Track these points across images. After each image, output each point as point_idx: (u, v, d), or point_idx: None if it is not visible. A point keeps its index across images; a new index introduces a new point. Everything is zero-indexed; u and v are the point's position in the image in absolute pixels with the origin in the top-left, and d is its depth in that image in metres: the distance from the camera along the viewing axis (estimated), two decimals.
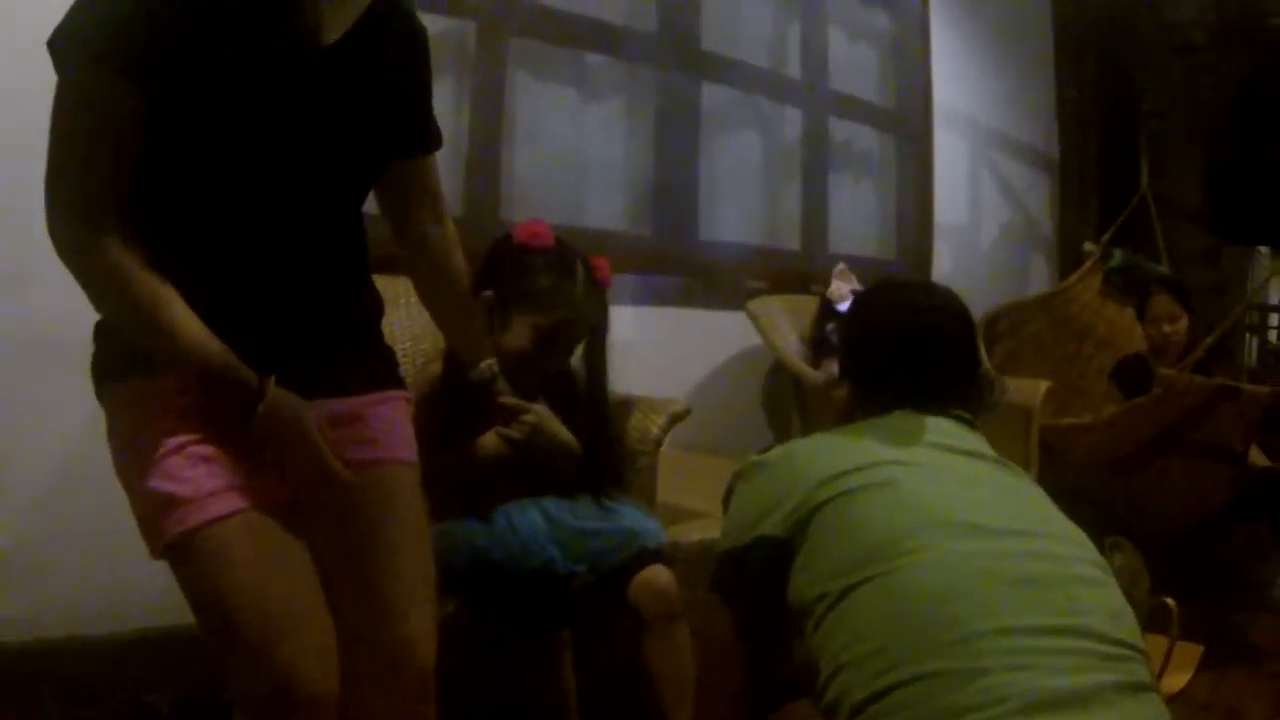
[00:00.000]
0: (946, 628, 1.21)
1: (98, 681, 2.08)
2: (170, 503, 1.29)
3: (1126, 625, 1.29)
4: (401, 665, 1.40)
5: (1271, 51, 7.30)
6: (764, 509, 1.45)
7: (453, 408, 1.92)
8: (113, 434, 1.39)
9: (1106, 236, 5.01)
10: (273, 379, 1.33)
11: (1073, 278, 4.89)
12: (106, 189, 1.25)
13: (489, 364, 1.83)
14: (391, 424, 1.54)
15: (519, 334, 1.94)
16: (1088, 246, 5.07)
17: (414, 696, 1.42)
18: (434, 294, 1.78)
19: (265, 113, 1.33)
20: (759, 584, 1.45)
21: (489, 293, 1.95)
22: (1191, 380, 3.38)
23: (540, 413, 1.92)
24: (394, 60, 1.50)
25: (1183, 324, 4.09)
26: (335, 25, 1.38)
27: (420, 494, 1.54)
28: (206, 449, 1.33)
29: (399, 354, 2.23)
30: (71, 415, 1.78)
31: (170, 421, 1.33)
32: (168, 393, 1.33)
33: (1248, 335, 6.55)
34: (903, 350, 1.60)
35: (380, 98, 1.47)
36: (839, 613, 1.29)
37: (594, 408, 2.05)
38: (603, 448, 2.06)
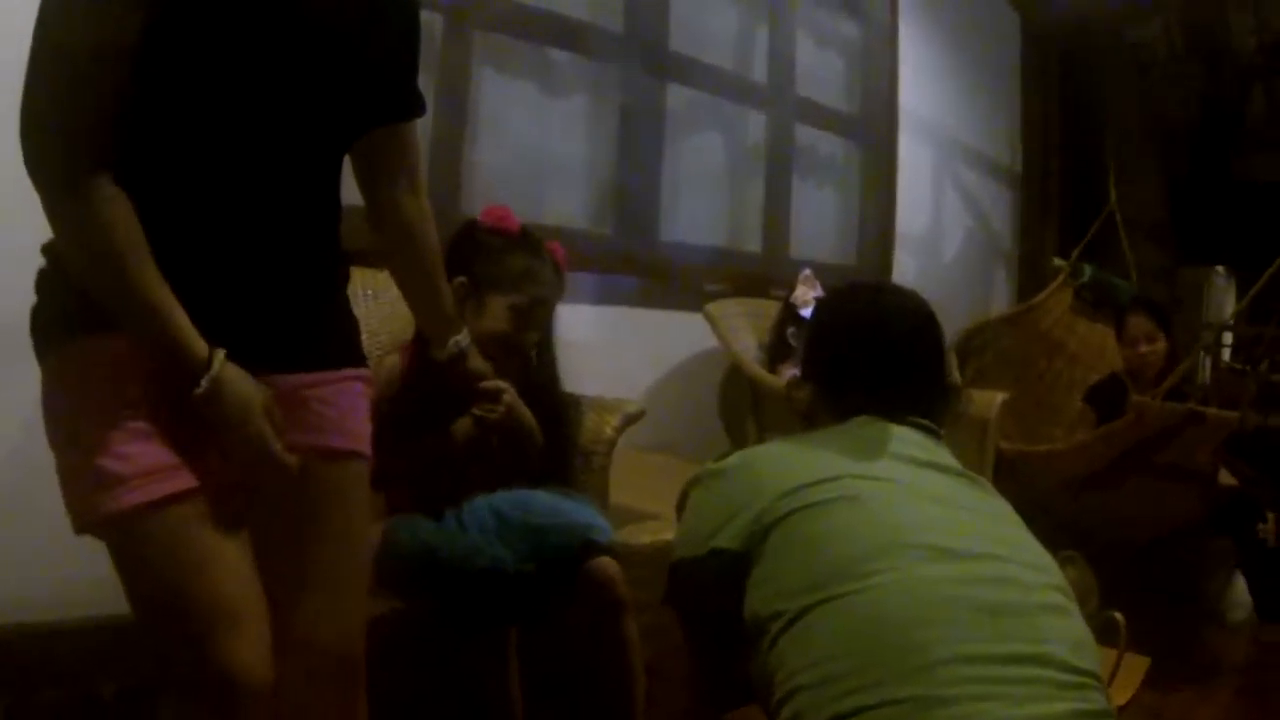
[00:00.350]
0: (912, 654, 1.18)
1: (42, 670, 2.04)
2: (108, 478, 1.23)
3: (1088, 654, 1.27)
4: (331, 654, 1.38)
5: (1231, 71, 7.40)
6: (720, 520, 1.40)
7: (418, 396, 1.91)
8: (49, 398, 1.32)
9: (1076, 252, 5.03)
10: (223, 353, 1.27)
11: (1043, 294, 4.91)
12: (104, 118, 1.19)
13: (457, 340, 1.79)
14: (344, 410, 1.48)
15: (497, 316, 1.95)
16: (1057, 262, 5.09)
17: (343, 685, 1.40)
18: (406, 267, 1.74)
19: (252, 52, 1.28)
20: (713, 596, 1.42)
21: (461, 279, 1.94)
22: (1163, 407, 3.42)
23: (513, 393, 1.91)
24: (393, 14, 1.48)
25: (1160, 344, 4.11)
26: None
27: (364, 486, 1.50)
28: (150, 424, 1.27)
29: (374, 347, 2.23)
30: (15, 399, 1.74)
31: (113, 390, 1.26)
32: (114, 357, 1.26)
33: (1203, 353, 6.62)
34: (869, 353, 1.56)
35: (372, 51, 1.43)
36: (797, 632, 1.25)
37: (547, 391, 2.06)
38: (556, 432, 2.07)
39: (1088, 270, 4.94)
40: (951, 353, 3.75)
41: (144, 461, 1.25)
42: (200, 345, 1.25)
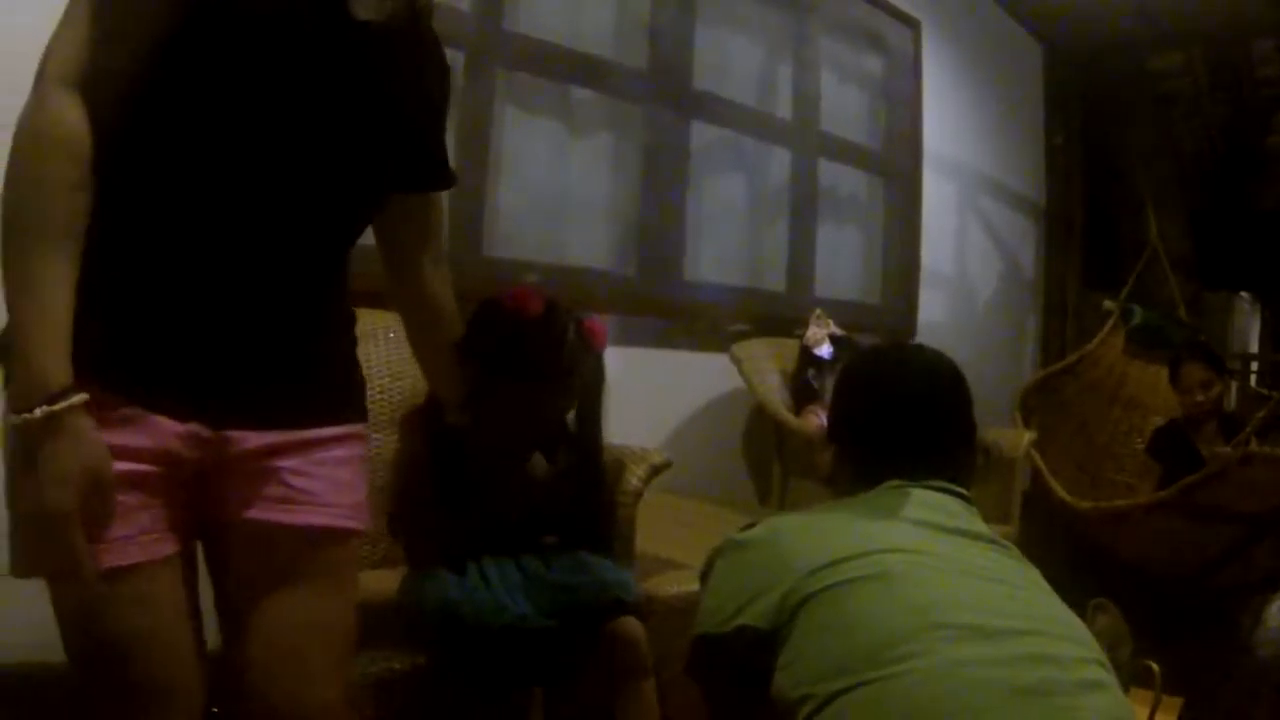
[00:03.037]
0: None
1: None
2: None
3: None
4: None
5: (1252, 102, 7.37)
6: (747, 596, 1.36)
7: (436, 454, 1.87)
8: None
9: (1124, 293, 4.99)
10: (82, 398, 1.09)
11: (1095, 340, 4.88)
12: (103, 75, 1.13)
13: (466, 415, 1.78)
14: (325, 480, 1.35)
15: (503, 406, 1.88)
16: (1107, 304, 5.04)
17: None
18: (422, 335, 1.71)
19: (278, 79, 1.21)
20: (739, 674, 1.37)
21: (474, 359, 1.90)
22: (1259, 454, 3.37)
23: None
24: (424, 76, 1.43)
25: (1216, 390, 4.09)
26: (372, 5, 1.28)
27: (349, 566, 1.41)
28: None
29: (375, 389, 2.21)
30: None
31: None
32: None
33: (1231, 381, 6.60)
34: (892, 416, 1.54)
35: (404, 105, 1.38)
36: (827, 718, 1.21)
37: (587, 470, 2.01)
38: (595, 508, 2.04)
39: (1138, 313, 4.90)
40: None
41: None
42: (58, 367, 1.09)
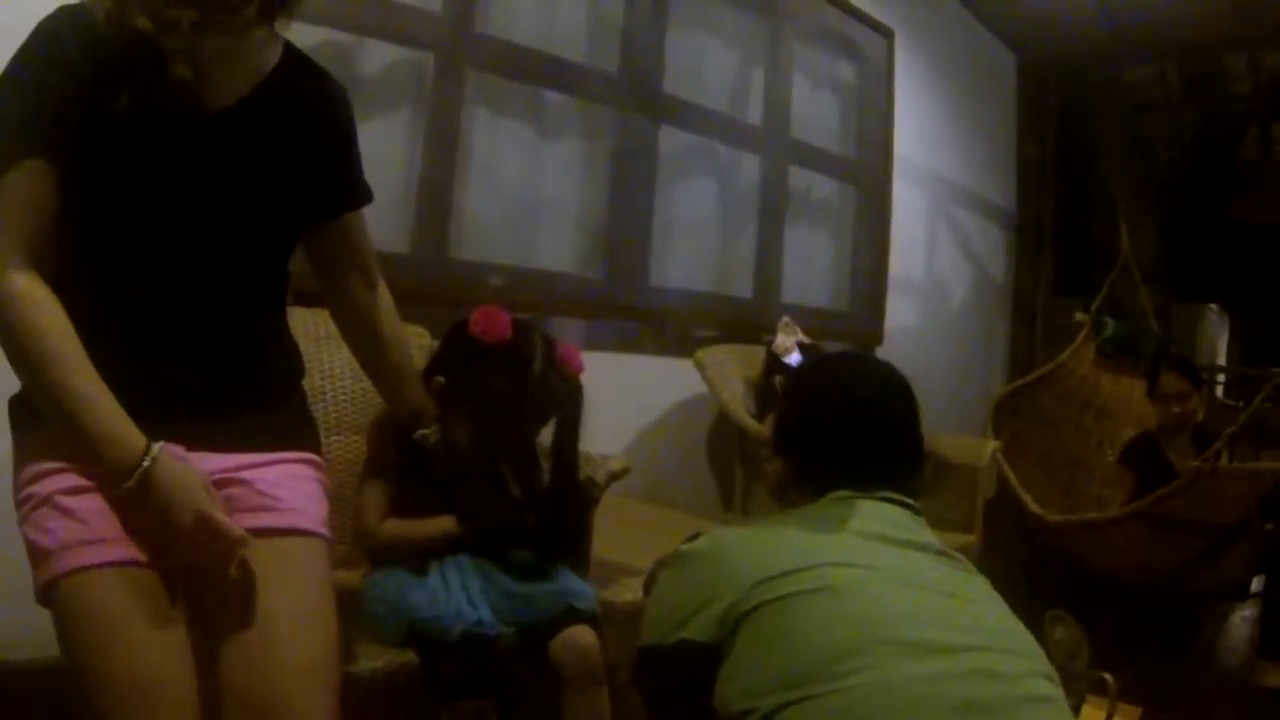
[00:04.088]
0: None
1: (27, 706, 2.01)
2: (35, 553, 1.29)
3: None
4: None
5: (1226, 113, 7.45)
6: (690, 610, 1.35)
7: (404, 463, 1.89)
8: (14, 476, 1.37)
9: (1095, 305, 5.01)
10: (159, 448, 1.29)
11: (1067, 351, 4.90)
12: (19, 238, 1.28)
13: (424, 434, 1.80)
14: (293, 491, 1.47)
15: (466, 431, 1.88)
16: (1079, 316, 5.06)
17: None
18: (365, 357, 1.78)
19: (163, 173, 1.35)
20: (682, 686, 1.37)
21: (440, 379, 1.89)
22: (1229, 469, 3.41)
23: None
24: (302, 124, 1.49)
25: (1193, 402, 4.10)
26: (228, 91, 1.40)
27: (321, 564, 1.47)
28: (76, 500, 1.30)
29: (339, 392, 2.22)
30: None
31: (48, 469, 1.32)
32: (52, 440, 1.32)
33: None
34: (838, 426, 1.52)
35: (283, 161, 1.46)
36: None
37: (561, 490, 2.00)
38: (568, 526, 2.03)
39: (1110, 324, 4.93)
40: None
41: (64, 536, 1.27)
42: (130, 442, 1.28)
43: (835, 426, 1.53)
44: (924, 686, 1.20)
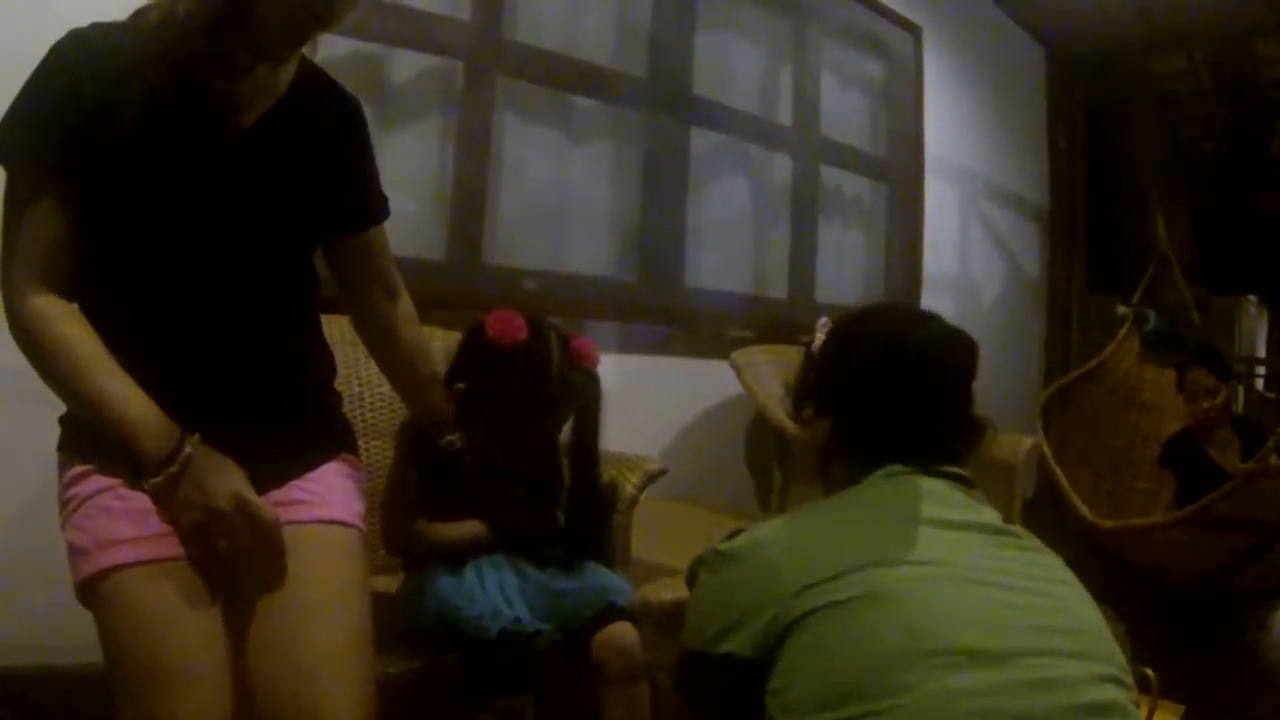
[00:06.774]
0: None
1: (63, 712, 2.03)
2: (75, 552, 1.31)
3: None
4: None
5: (1256, 103, 7.37)
6: (732, 619, 1.27)
7: (427, 465, 1.88)
8: (59, 483, 1.41)
9: (1136, 297, 4.96)
10: (194, 440, 1.32)
11: (1111, 345, 4.83)
12: (38, 261, 1.30)
13: (450, 440, 1.80)
14: (329, 486, 1.50)
15: (486, 433, 1.89)
16: (1121, 310, 5.01)
17: None
18: (388, 368, 1.79)
19: (184, 195, 1.35)
20: (728, 695, 1.31)
21: (460, 385, 1.90)
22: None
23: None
24: (320, 138, 1.50)
25: (1222, 396, 4.04)
26: (251, 109, 1.40)
27: (358, 555, 1.48)
28: (112, 499, 1.33)
29: (377, 399, 2.23)
30: (37, 444, 1.74)
31: (88, 470, 1.36)
32: (95, 446, 1.35)
33: (1238, 385, 6.58)
34: (894, 384, 1.35)
35: (304, 177, 1.47)
36: None
37: (583, 484, 2.00)
38: (593, 520, 2.02)
39: (1152, 317, 4.87)
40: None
41: (101, 534, 1.30)
42: (166, 430, 1.31)
43: (883, 382, 1.37)
44: (978, 701, 1.11)
